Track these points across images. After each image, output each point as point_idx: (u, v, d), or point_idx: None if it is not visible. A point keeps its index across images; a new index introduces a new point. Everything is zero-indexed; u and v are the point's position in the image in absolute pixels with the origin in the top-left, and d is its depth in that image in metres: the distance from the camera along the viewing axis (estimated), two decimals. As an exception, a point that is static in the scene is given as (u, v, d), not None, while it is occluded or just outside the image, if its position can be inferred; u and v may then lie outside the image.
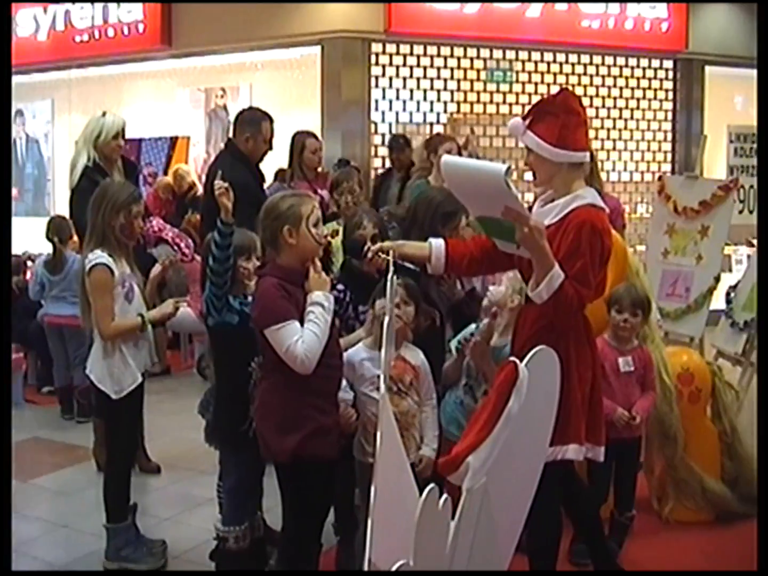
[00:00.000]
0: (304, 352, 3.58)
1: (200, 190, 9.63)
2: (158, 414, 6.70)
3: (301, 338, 3.59)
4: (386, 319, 3.07)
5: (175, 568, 4.72)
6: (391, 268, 3.36)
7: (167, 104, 12.04)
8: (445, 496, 2.13)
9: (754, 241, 9.97)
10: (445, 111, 10.87)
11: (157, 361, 5.03)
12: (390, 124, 10.56)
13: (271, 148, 6.12)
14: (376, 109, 10.51)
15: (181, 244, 5.85)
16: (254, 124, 5.97)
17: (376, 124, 10.48)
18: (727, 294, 7.80)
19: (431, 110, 10.76)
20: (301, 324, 3.64)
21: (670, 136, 11.51)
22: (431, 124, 10.76)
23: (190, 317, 4.84)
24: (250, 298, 4.19)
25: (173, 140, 10.73)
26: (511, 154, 10.89)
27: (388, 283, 3.23)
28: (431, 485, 2.08)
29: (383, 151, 10.14)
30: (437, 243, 3.94)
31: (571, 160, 3.71)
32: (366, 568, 2.26)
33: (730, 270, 10.30)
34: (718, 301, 7.18)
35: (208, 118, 11.88)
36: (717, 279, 7.06)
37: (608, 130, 11.31)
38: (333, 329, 3.80)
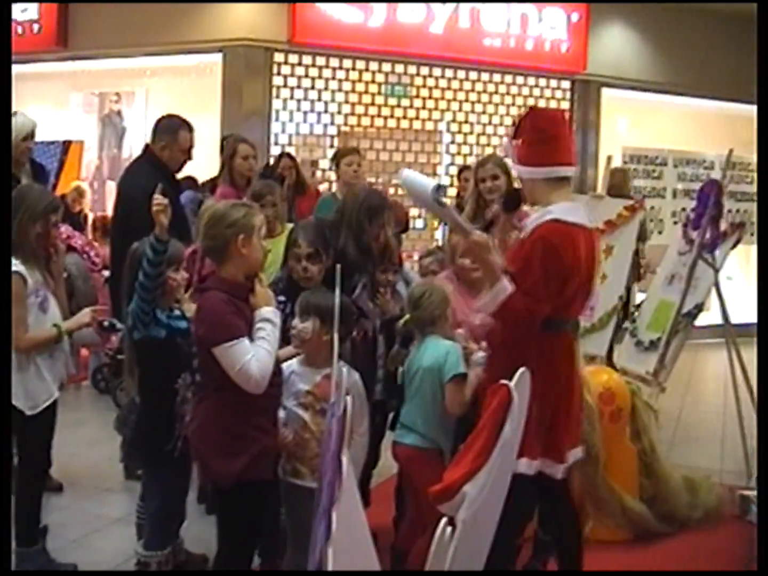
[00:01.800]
0: (258, 371, 3.46)
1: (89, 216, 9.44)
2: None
3: (254, 356, 3.46)
4: (335, 336, 2.97)
5: (87, 593, 4.50)
6: (338, 284, 3.28)
7: (60, 108, 11.68)
8: (450, 528, 2.05)
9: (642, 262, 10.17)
10: (345, 123, 10.84)
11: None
12: (290, 136, 10.46)
13: (190, 157, 5.93)
14: (277, 119, 10.40)
15: (90, 252, 5.65)
16: (171, 132, 5.76)
17: (276, 134, 10.35)
18: (632, 313, 7.95)
19: (332, 122, 10.70)
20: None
21: (565, 155, 11.65)
22: (331, 137, 10.70)
23: (89, 329, 4.68)
24: (176, 312, 4.07)
25: (66, 145, 10.38)
26: (422, 169, 10.87)
27: (336, 300, 3.13)
28: (444, 520, 2.00)
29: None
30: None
31: (536, 175, 3.76)
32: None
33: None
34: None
35: (102, 123, 11.57)
36: (620, 298, 7.17)
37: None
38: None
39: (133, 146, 11.51)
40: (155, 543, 4.09)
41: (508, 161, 5.82)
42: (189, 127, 5.84)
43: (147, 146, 5.96)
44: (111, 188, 11.35)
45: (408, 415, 4.28)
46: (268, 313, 3.61)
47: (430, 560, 1.95)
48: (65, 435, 6.58)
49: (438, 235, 10.73)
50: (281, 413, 3.93)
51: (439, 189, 3.62)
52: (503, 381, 2.47)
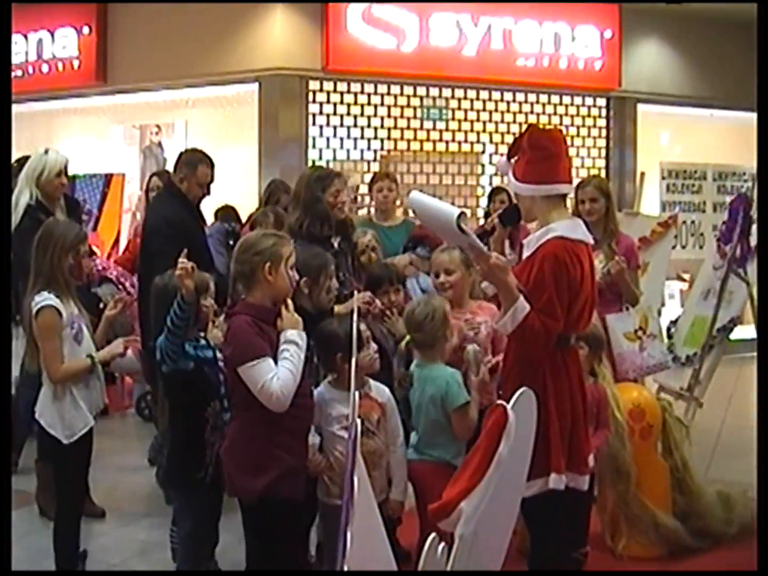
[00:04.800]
0: (279, 389, 3.58)
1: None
2: (98, 455, 6.53)
3: (276, 375, 3.59)
4: (353, 360, 3.05)
5: (126, 617, 4.59)
6: (355, 310, 3.37)
7: (101, 141, 11.90)
8: (442, 544, 2.11)
9: (686, 276, 10.16)
10: (382, 148, 10.90)
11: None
12: (327, 162, 10.54)
13: (208, 192, 6.07)
14: (314, 146, 10.49)
15: (126, 282, 5.78)
16: (190, 166, 5.90)
17: (314, 161, 10.44)
18: (668, 329, 7.92)
19: (368, 147, 10.79)
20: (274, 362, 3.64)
21: (603, 173, 11.64)
22: (368, 162, 10.79)
23: (131, 357, 4.79)
24: (203, 341, 4.17)
25: (108, 178, 10.58)
26: (447, 191, 10.97)
27: (354, 325, 3.23)
28: (433, 535, 2.06)
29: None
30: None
31: (536, 193, 3.83)
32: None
33: (663, 305, 10.46)
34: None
35: (143, 155, 11.75)
36: (658, 313, 7.15)
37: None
38: (305, 368, 3.79)
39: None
40: (188, 565, 4.20)
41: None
42: (209, 162, 5.96)
43: (168, 178, 6.10)
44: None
45: (420, 440, 4.35)
46: (293, 335, 3.73)
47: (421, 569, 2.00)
48: (109, 462, 6.75)
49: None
50: (316, 439, 4.04)
51: (461, 216, 3.65)
52: (500, 402, 2.54)
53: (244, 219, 7.63)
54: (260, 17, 10.20)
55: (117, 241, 10.18)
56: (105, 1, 11.01)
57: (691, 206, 11.54)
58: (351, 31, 10.18)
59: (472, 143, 11.17)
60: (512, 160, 3.94)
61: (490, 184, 11.13)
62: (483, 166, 11.36)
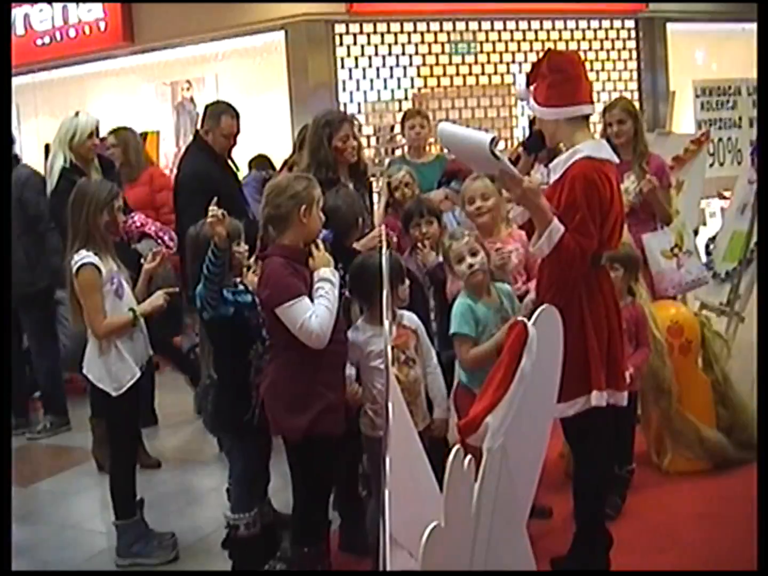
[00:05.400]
0: (318, 327, 3.67)
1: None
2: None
3: (314, 313, 3.68)
4: (384, 293, 3.10)
5: (186, 559, 4.73)
6: (384, 246, 3.41)
7: (133, 100, 11.96)
8: (469, 457, 2.18)
9: (726, 193, 10.06)
10: (412, 86, 10.86)
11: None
12: (359, 104, 10.55)
13: (234, 143, 6.14)
14: (344, 89, 10.47)
15: (165, 237, 5.85)
16: (214, 117, 5.99)
17: (345, 104, 10.43)
18: (707, 246, 7.89)
19: (399, 87, 10.74)
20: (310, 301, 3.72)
21: (636, 95, 11.52)
22: (399, 101, 10.75)
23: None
24: (240, 287, 4.24)
25: (143, 136, 10.65)
26: (481, 123, 10.88)
27: (384, 260, 3.27)
28: (457, 447, 2.12)
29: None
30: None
31: (560, 116, 3.83)
32: (385, 542, 2.29)
33: (704, 224, 10.37)
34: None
35: (176, 112, 11.80)
36: (695, 232, 7.12)
37: (576, 93, 11.26)
38: (339, 305, 3.87)
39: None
40: (241, 506, 4.29)
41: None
42: (233, 113, 6.03)
43: (196, 131, 6.17)
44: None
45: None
46: (326, 273, 3.82)
47: (445, 488, 2.06)
48: (162, 416, 6.91)
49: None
50: (352, 370, 4.11)
51: (493, 141, 3.61)
52: (520, 318, 2.59)
53: (278, 167, 7.66)
54: (281, -35, 10.16)
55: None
56: (126, -39, 11.04)
57: (728, 122, 11.36)
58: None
59: (502, 75, 11.05)
60: (532, 87, 3.93)
61: (523, 114, 11.06)
62: (515, 96, 11.26)
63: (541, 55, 3.93)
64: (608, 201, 3.73)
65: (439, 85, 10.93)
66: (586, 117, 3.91)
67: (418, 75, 10.81)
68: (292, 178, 4.01)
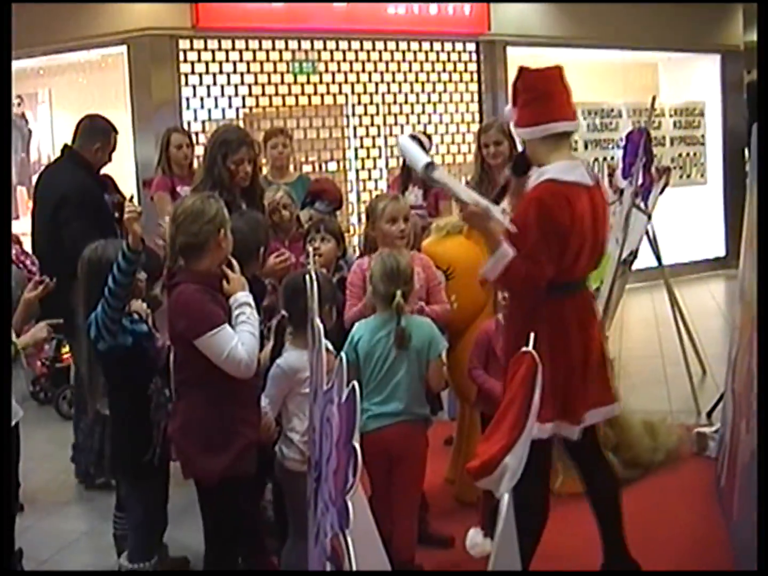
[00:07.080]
0: (246, 354, 3.46)
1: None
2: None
3: (239, 341, 3.46)
4: (314, 319, 2.98)
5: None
6: (312, 274, 3.28)
7: (-40, 116, 11.33)
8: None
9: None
10: (257, 105, 10.67)
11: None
12: (203, 122, 10.28)
13: (110, 160, 5.99)
14: (188, 107, 10.19)
15: (26, 261, 5.49)
16: (105, 134, 5.82)
17: (189, 123, 10.14)
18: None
19: (243, 105, 10.56)
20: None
21: (477, 117, 11.68)
22: (243, 120, 10.55)
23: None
24: (135, 315, 3.98)
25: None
26: (313, 145, 10.84)
27: (311, 286, 3.15)
28: (506, 496, 1.99)
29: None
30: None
31: (534, 135, 3.76)
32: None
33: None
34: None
35: (7, 128, 11.25)
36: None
37: (418, 115, 11.31)
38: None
39: (42, 148, 11.26)
40: (141, 555, 3.99)
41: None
42: (116, 131, 5.93)
43: (70, 147, 5.86)
44: (21, 193, 11.09)
45: (405, 399, 4.15)
46: (244, 297, 3.62)
47: (497, 540, 1.93)
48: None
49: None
50: (264, 401, 3.88)
51: (429, 167, 3.59)
52: (525, 349, 2.46)
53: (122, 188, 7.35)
54: (124, -24, 9.81)
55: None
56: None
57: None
58: (219, -14, 9.90)
59: (334, 95, 10.94)
60: (514, 108, 3.87)
61: (355, 136, 11.06)
62: (348, 117, 11.23)
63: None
64: (567, 227, 3.58)
65: (284, 104, 10.77)
66: (568, 134, 3.82)
67: (263, 93, 10.61)
68: (201, 201, 3.71)
